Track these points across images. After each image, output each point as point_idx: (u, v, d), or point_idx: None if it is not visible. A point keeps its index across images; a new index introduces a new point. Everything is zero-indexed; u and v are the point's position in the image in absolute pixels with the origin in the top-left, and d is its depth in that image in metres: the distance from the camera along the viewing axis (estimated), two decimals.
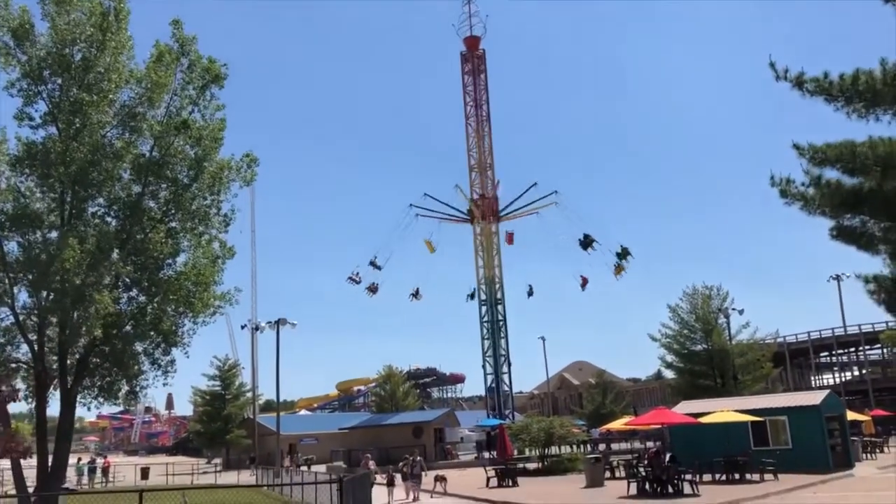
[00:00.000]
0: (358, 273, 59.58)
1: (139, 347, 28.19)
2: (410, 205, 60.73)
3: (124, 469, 60.76)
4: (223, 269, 29.11)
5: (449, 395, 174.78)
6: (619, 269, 58.62)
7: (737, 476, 26.21)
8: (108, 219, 25.86)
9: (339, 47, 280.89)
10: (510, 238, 60.85)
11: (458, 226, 63.16)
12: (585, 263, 67.12)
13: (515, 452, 45.96)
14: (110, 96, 24.69)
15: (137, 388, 28.54)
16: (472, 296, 61.21)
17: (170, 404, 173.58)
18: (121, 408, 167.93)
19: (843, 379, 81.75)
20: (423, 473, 27.29)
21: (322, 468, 51.08)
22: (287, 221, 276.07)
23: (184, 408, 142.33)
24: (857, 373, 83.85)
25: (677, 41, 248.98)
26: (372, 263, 59.13)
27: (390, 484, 25.96)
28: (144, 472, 55.47)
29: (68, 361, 26.54)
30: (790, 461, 27.07)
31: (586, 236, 58.22)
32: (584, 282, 59.72)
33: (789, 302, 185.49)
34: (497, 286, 61.80)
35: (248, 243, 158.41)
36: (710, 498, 20.79)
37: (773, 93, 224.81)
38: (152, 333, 28.07)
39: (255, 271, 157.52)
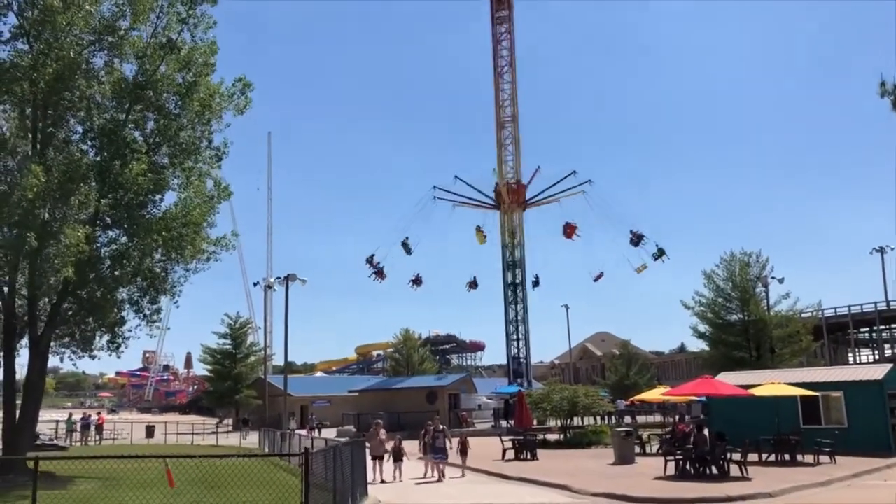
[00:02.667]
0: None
1: (124, 294, 25.76)
2: (434, 186, 58.37)
3: (128, 426, 59.14)
4: (217, 210, 26.45)
5: (468, 362, 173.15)
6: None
7: (787, 457, 23.07)
8: (84, 147, 23.09)
9: (362, 9, 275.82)
10: (571, 231, 56.44)
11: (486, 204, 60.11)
12: (613, 250, 63.20)
13: (535, 422, 43.37)
14: (86, 7, 21.71)
15: (120, 339, 26.12)
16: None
17: (188, 363, 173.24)
18: (140, 364, 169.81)
19: (883, 356, 77.78)
20: (448, 446, 21.91)
21: (333, 432, 49.11)
22: (310, 188, 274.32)
23: (202, 367, 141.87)
24: (895, 349, 79.79)
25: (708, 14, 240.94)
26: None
27: (397, 459, 21.36)
28: (150, 430, 53.78)
29: (40, 307, 24.12)
30: (845, 442, 23.84)
31: (633, 233, 55.09)
32: (599, 276, 56.77)
33: (827, 276, 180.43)
34: (518, 249, 58.76)
35: (265, 200, 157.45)
36: (763, 483, 17.69)
37: (816, 66, 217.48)
38: (138, 279, 25.57)
39: (272, 228, 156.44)
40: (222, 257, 26.96)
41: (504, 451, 27.12)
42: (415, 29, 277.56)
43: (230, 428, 63.61)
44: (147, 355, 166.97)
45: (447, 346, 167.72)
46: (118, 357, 26.60)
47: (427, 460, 22.21)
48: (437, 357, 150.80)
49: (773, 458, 23.27)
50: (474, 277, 58.25)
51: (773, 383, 24.04)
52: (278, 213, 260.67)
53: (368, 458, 20.32)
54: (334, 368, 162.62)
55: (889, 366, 27.17)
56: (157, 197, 24.27)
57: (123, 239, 24.26)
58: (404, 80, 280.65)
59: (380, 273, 56.72)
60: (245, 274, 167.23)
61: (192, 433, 49.64)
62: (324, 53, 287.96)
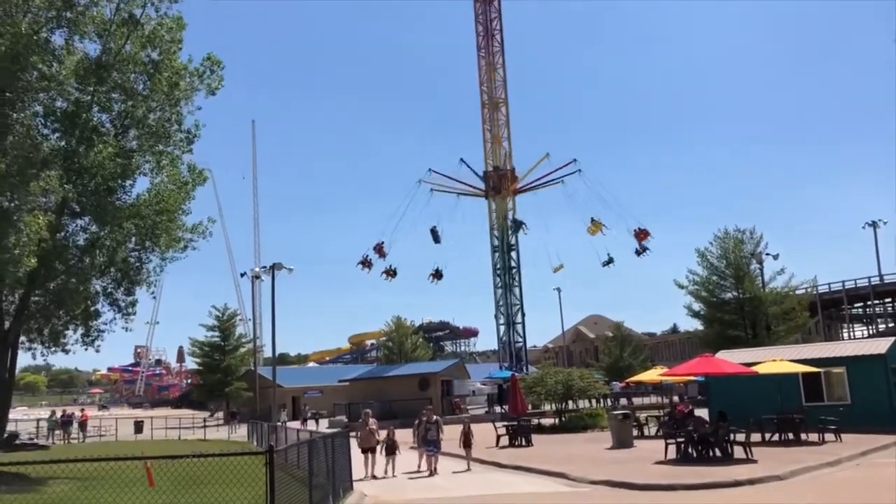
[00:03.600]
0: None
1: (98, 286, 24.67)
2: (419, 181, 56.75)
3: (118, 423, 58.11)
4: (193, 196, 25.36)
5: (462, 349, 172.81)
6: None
7: (791, 436, 22.22)
8: (46, 132, 21.88)
9: None
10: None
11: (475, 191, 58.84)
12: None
13: (530, 407, 42.46)
14: None
15: (94, 333, 25.04)
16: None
17: (181, 357, 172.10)
18: (131, 360, 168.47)
19: (878, 331, 77.32)
20: (442, 437, 20.15)
21: (324, 423, 48.20)
22: (298, 177, 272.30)
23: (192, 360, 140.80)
24: (892, 325, 79.25)
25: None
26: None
27: (390, 452, 19.77)
28: (138, 426, 52.69)
29: (7, 300, 22.96)
30: (849, 419, 23.05)
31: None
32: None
33: (821, 252, 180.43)
34: (510, 231, 57.77)
35: (250, 190, 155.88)
36: (770, 465, 16.81)
37: (800, 46, 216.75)
38: (112, 270, 24.50)
39: (258, 217, 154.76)
40: (211, 249, 26.11)
41: (498, 437, 26.19)
42: (404, 16, 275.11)
43: (221, 421, 62.67)
44: (139, 350, 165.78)
45: (441, 333, 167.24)
46: (97, 351, 25.59)
47: (420, 452, 20.46)
48: (431, 344, 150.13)
49: (776, 437, 22.43)
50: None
51: (776, 360, 23.15)
52: (267, 203, 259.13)
53: (358, 451, 19.27)
54: (327, 358, 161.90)
55: (892, 339, 26.34)
56: (127, 183, 23.18)
57: (94, 227, 23.20)
58: (394, 67, 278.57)
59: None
60: (233, 265, 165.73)
61: (179, 427, 48.57)
62: (311, 42, 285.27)
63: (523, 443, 25.86)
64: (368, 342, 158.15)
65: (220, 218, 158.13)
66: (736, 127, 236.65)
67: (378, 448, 19.95)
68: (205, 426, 46.62)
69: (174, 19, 22.15)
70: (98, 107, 22.59)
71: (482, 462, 21.61)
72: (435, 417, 20.43)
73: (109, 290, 24.69)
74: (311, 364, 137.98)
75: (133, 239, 23.96)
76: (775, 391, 23.31)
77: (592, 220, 53.66)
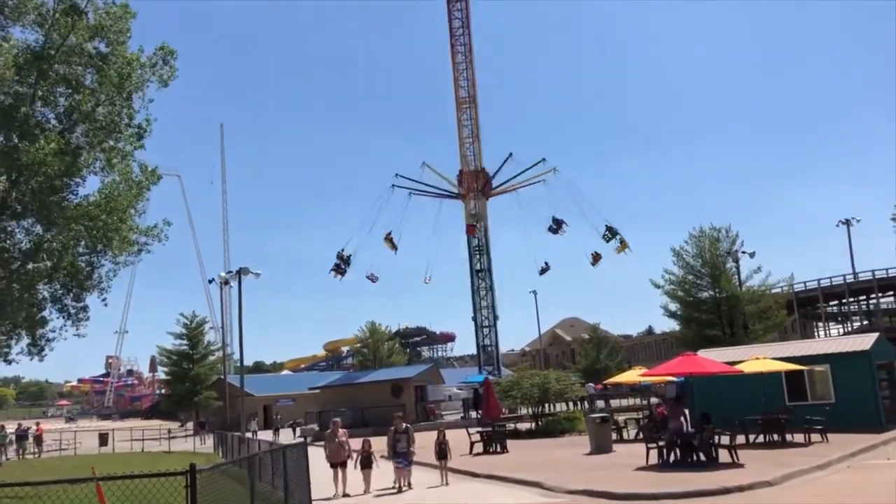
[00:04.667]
0: (342, 265, 53.69)
1: (45, 292, 23.24)
2: (392, 186, 55.15)
3: (81, 435, 56.23)
4: (146, 197, 24.04)
5: (440, 354, 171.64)
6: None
7: (776, 438, 21.35)
8: None
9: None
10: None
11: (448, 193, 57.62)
12: (579, 238, 59.44)
13: (506, 411, 41.35)
14: None
15: (42, 342, 23.57)
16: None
17: (153, 367, 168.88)
18: (102, 370, 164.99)
19: (852, 329, 77.40)
20: (412, 448, 17.94)
21: (290, 433, 46.75)
22: (271, 183, 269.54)
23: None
24: (864, 322, 79.38)
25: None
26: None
27: (365, 466, 17.63)
28: (103, 439, 50.93)
29: None
30: (834, 418, 22.23)
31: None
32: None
33: (796, 252, 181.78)
34: (483, 235, 56.73)
35: (219, 195, 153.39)
36: (758, 469, 15.86)
37: (768, 49, 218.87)
38: (59, 274, 23.07)
39: (227, 223, 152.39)
40: (184, 257, 24.63)
41: (472, 444, 25.04)
42: (373, 18, 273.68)
43: (191, 432, 60.96)
44: (110, 360, 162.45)
45: (418, 339, 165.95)
46: (40, 360, 24.02)
47: (395, 469, 17.99)
48: (408, 350, 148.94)
49: (761, 439, 21.55)
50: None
51: (759, 358, 22.27)
52: (240, 210, 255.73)
53: (327, 465, 17.71)
54: (303, 366, 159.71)
55: (875, 335, 25.63)
56: (74, 181, 21.77)
57: (39, 229, 21.80)
58: (364, 72, 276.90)
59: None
60: (203, 272, 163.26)
61: (143, 439, 46.82)
62: (281, 48, 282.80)
63: (498, 449, 24.77)
64: (344, 349, 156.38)
65: (190, 225, 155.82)
66: (710, 128, 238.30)
67: (354, 461, 17.83)
68: (170, 437, 44.88)
69: (121, 7, 20.84)
70: (42, 101, 21.22)
71: (455, 471, 20.40)
72: (405, 426, 18.27)
73: (58, 295, 23.26)
74: (284, 372, 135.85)
75: (83, 242, 22.62)
76: (758, 391, 22.46)
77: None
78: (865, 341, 24.67)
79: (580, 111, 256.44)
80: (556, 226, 52.77)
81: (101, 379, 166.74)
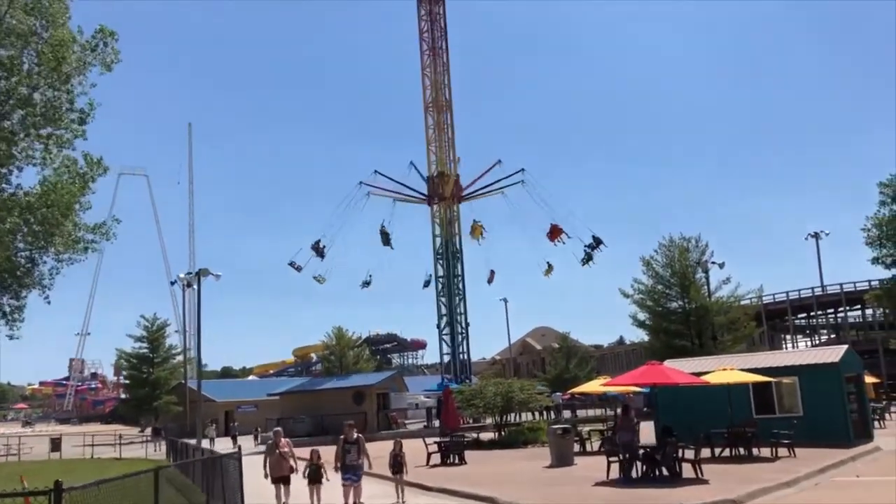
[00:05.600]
0: (298, 264, 52.13)
1: None
2: (360, 182, 53.56)
3: (34, 440, 54.43)
4: (92, 190, 22.75)
5: (410, 361, 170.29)
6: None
7: (742, 451, 20.60)
8: None
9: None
10: (556, 234, 51.67)
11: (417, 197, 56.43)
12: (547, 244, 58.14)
13: (471, 421, 40.40)
14: None
15: None
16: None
17: (118, 370, 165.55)
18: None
19: (819, 342, 77.60)
20: (363, 461, 15.63)
21: (249, 440, 45.42)
22: (237, 188, 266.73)
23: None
24: (832, 336, 79.65)
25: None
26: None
27: (313, 480, 15.45)
28: (55, 444, 49.27)
29: None
30: (802, 432, 21.53)
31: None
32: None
33: (765, 266, 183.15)
34: (453, 240, 55.82)
35: (185, 195, 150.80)
36: (723, 485, 15.03)
37: (739, 58, 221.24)
38: None
39: (193, 224, 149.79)
40: (151, 259, 23.19)
41: (429, 455, 24.01)
42: (343, 19, 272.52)
43: (149, 438, 59.26)
44: (73, 363, 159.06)
45: (388, 346, 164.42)
46: None
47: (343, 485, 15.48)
48: (378, 357, 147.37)
49: (727, 452, 20.78)
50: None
51: (726, 369, 21.54)
52: (209, 214, 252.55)
53: (271, 480, 15.68)
54: (271, 371, 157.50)
55: (844, 347, 25.06)
56: (9, 170, 20.48)
57: None
58: (335, 71, 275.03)
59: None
60: (169, 274, 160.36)
61: (93, 445, 45.08)
62: (248, 49, 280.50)
63: (456, 461, 23.77)
64: (314, 355, 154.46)
65: (157, 226, 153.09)
66: (680, 139, 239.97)
67: (301, 475, 15.78)
68: (120, 443, 43.27)
69: None
70: None
71: (406, 484, 19.37)
72: (356, 435, 15.68)
73: None
74: (251, 378, 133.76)
75: (19, 236, 21.32)
76: (725, 403, 21.70)
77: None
78: (834, 353, 24.08)
79: (547, 119, 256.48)
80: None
81: (64, 382, 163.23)
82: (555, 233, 51.41)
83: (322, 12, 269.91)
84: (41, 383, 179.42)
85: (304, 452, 16.65)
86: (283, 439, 16.32)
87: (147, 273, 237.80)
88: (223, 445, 39.36)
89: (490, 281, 54.87)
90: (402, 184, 55.07)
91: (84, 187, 22.17)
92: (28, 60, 20.10)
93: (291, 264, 51.45)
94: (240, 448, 17.39)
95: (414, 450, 24.72)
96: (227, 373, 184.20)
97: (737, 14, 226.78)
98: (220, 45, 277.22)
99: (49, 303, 24.48)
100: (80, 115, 20.63)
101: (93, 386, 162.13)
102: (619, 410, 39.34)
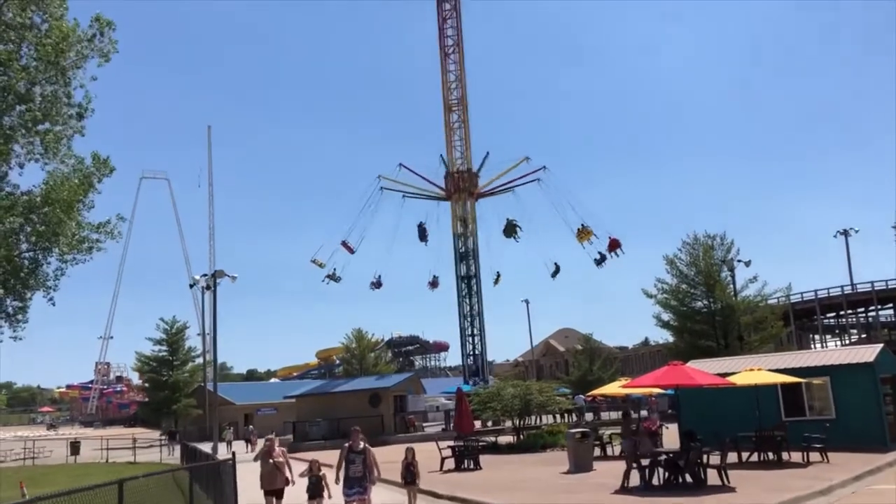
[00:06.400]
0: (336, 275, 52.05)
1: None
2: (378, 176, 53.42)
3: (55, 444, 54.32)
4: (98, 190, 22.23)
5: (433, 363, 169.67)
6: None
7: (771, 456, 19.51)
8: None
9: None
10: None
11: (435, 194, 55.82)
12: (568, 242, 56.70)
13: (490, 424, 39.52)
14: None
15: None
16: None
17: (142, 374, 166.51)
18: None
19: (850, 342, 75.56)
20: (370, 472, 13.56)
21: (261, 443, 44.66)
22: (259, 190, 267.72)
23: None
24: (863, 336, 77.59)
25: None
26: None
27: (314, 495, 13.71)
28: (74, 447, 49.06)
29: None
30: (835, 435, 20.37)
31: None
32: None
33: (793, 263, 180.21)
34: (470, 239, 54.99)
35: (206, 200, 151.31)
36: (751, 493, 14.05)
37: (766, 59, 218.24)
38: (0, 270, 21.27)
39: (214, 226, 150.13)
40: (177, 263, 22.51)
41: (443, 460, 23.15)
42: (361, 20, 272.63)
43: (166, 440, 59.01)
44: (99, 366, 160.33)
45: (411, 348, 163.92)
46: None
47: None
48: (401, 359, 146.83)
49: (755, 457, 19.70)
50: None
51: (753, 370, 20.44)
52: (230, 217, 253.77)
53: (263, 493, 14.28)
54: (294, 374, 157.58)
55: (878, 346, 23.78)
56: (6, 168, 19.97)
57: None
58: (352, 73, 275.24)
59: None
60: (191, 278, 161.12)
61: (108, 449, 44.74)
62: (274, 54, 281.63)
63: (471, 466, 22.88)
64: (336, 357, 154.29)
65: (179, 229, 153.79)
66: (706, 139, 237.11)
67: (304, 486, 14.00)
68: (135, 447, 42.90)
69: None
70: None
71: (420, 491, 18.54)
72: (362, 444, 13.68)
73: None
74: (272, 380, 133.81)
75: (22, 236, 20.83)
76: (752, 405, 20.58)
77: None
78: (868, 353, 22.83)
79: (569, 120, 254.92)
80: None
81: (90, 385, 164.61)
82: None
83: (339, 13, 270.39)
84: (68, 387, 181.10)
85: (320, 456, 15.64)
86: (277, 447, 14.89)
87: (171, 276, 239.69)
88: (238, 449, 38.85)
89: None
90: (425, 178, 54.72)
91: (89, 186, 21.68)
92: (26, 55, 19.62)
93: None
94: (234, 454, 16.42)
95: (429, 454, 23.93)
96: (252, 375, 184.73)
97: (768, 10, 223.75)
98: (238, 46, 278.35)
99: (54, 304, 23.92)
100: (79, 111, 20.09)
101: (118, 389, 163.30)
102: (643, 413, 38.43)
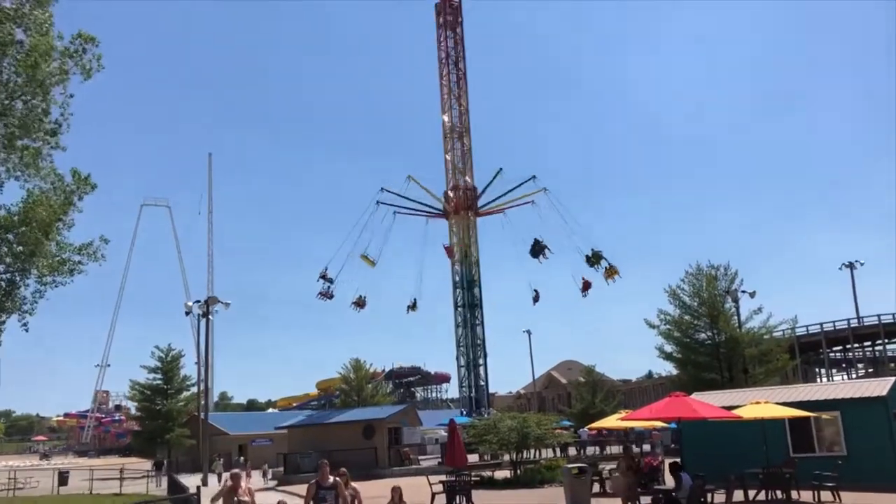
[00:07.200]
0: (329, 288, 51.40)
1: None
2: (378, 202, 52.56)
3: (42, 474, 53.05)
4: (78, 208, 21.51)
5: (434, 395, 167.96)
6: (610, 272, 50.46)
7: (780, 495, 18.44)
8: None
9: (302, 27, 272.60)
10: (586, 286, 50.95)
11: (438, 221, 55.16)
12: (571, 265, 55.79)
13: (487, 457, 38.47)
14: None
15: None
16: (535, 298, 53.09)
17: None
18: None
19: (857, 376, 74.17)
20: None
21: (257, 475, 43.68)
22: (263, 219, 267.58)
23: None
24: (870, 370, 76.18)
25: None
26: (322, 277, 51.09)
27: None
28: (63, 478, 47.86)
29: None
30: (847, 473, 19.33)
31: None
32: (586, 286, 51.17)
33: (798, 296, 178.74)
34: (474, 266, 54.23)
35: (215, 227, 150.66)
36: None
37: (771, 92, 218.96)
38: None
39: (213, 255, 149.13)
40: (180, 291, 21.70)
41: (433, 495, 22.06)
42: (357, 39, 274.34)
43: (161, 471, 57.65)
44: (98, 395, 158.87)
45: (412, 379, 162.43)
46: None
47: None
48: (402, 390, 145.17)
49: (762, 496, 18.64)
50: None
51: (760, 403, 19.44)
52: (235, 246, 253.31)
53: None
54: (294, 405, 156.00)
55: (892, 380, 22.77)
56: None
57: None
58: (350, 93, 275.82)
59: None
60: (185, 305, 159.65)
61: (92, 479, 43.47)
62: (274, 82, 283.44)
63: (463, 502, 21.79)
64: (336, 388, 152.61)
65: (179, 257, 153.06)
66: (710, 171, 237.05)
67: None
68: (121, 478, 41.68)
69: None
70: None
71: None
72: (332, 479, 12.50)
73: None
74: (270, 410, 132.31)
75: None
76: (759, 440, 19.56)
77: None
78: (881, 386, 21.84)
79: (569, 147, 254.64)
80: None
81: (87, 414, 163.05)
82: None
83: (338, 40, 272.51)
84: (66, 415, 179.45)
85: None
86: (245, 483, 13.71)
87: (172, 304, 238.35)
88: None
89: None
90: (431, 192, 54.04)
91: (68, 205, 20.98)
92: (7, 69, 19.04)
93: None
94: (198, 488, 15.48)
95: (419, 489, 22.85)
96: (252, 405, 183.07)
97: (772, 44, 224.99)
98: (235, 74, 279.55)
99: (27, 330, 23.06)
100: (55, 126, 19.44)
101: (116, 418, 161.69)
102: (645, 447, 37.25)
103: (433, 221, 54.88)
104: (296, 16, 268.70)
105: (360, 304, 51.45)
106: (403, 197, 53.11)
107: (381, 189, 52.65)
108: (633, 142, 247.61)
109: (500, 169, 54.55)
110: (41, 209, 19.60)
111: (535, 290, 52.51)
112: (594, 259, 50.11)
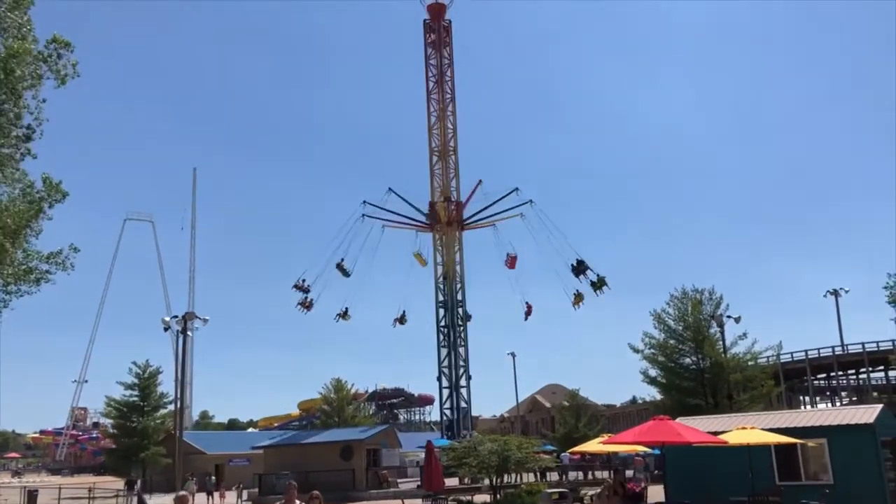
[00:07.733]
0: (307, 297, 50.93)
1: None
2: (363, 216, 52.16)
3: (10, 492, 51.76)
4: (48, 216, 20.90)
5: (417, 417, 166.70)
6: (578, 298, 50.41)
7: None
8: None
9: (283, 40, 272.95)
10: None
11: (423, 235, 54.57)
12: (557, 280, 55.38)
13: (467, 481, 37.72)
14: None
15: None
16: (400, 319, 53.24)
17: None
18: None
19: (840, 404, 74.01)
20: None
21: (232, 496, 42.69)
22: (246, 237, 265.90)
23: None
24: (854, 398, 76.07)
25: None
26: (298, 287, 50.81)
27: None
28: (32, 496, 46.59)
29: None
30: (832, 501, 18.95)
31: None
32: (529, 310, 52.14)
33: (782, 325, 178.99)
34: (458, 285, 53.63)
35: (198, 245, 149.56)
36: None
37: (755, 118, 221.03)
38: None
39: (195, 271, 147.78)
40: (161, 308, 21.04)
41: None
42: (344, 56, 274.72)
43: (134, 491, 56.35)
44: (75, 412, 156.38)
45: (395, 401, 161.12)
46: None
47: None
48: (384, 412, 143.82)
49: None
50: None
51: (745, 428, 18.96)
52: (218, 263, 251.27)
53: None
54: (275, 424, 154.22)
55: (879, 407, 22.40)
56: None
57: None
58: (335, 111, 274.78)
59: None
60: (163, 321, 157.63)
61: (60, 498, 42.42)
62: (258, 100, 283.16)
63: None
64: (318, 409, 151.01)
65: (161, 272, 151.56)
66: (694, 197, 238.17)
67: None
68: (91, 497, 40.64)
69: None
70: None
71: None
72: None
73: None
74: (250, 430, 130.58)
75: None
76: (745, 466, 19.05)
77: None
78: (868, 413, 21.42)
79: (555, 173, 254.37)
80: (581, 270, 49.73)
81: (64, 431, 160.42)
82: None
83: (323, 58, 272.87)
84: (42, 432, 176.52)
85: None
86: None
87: (153, 320, 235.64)
88: (199, 501, 36.69)
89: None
90: (413, 205, 53.65)
91: (38, 212, 20.36)
92: None
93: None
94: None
95: None
96: (233, 425, 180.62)
97: (758, 70, 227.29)
98: (223, 91, 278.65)
99: None
100: (28, 131, 18.86)
101: (94, 435, 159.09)
102: (628, 473, 36.61)
103: (421, 235, 54.37)
104: (281, 34, 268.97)
105: (343, 316, 51.32)
106: (389, 211, 52.74)
107: (364, 202, 52.17)
108: (620, 162, 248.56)
109: (480, 181, 54.02)
110: (6, 216, 18.98)
111: (528, 304, 52.24)
112: (579, 268, 49.96)
